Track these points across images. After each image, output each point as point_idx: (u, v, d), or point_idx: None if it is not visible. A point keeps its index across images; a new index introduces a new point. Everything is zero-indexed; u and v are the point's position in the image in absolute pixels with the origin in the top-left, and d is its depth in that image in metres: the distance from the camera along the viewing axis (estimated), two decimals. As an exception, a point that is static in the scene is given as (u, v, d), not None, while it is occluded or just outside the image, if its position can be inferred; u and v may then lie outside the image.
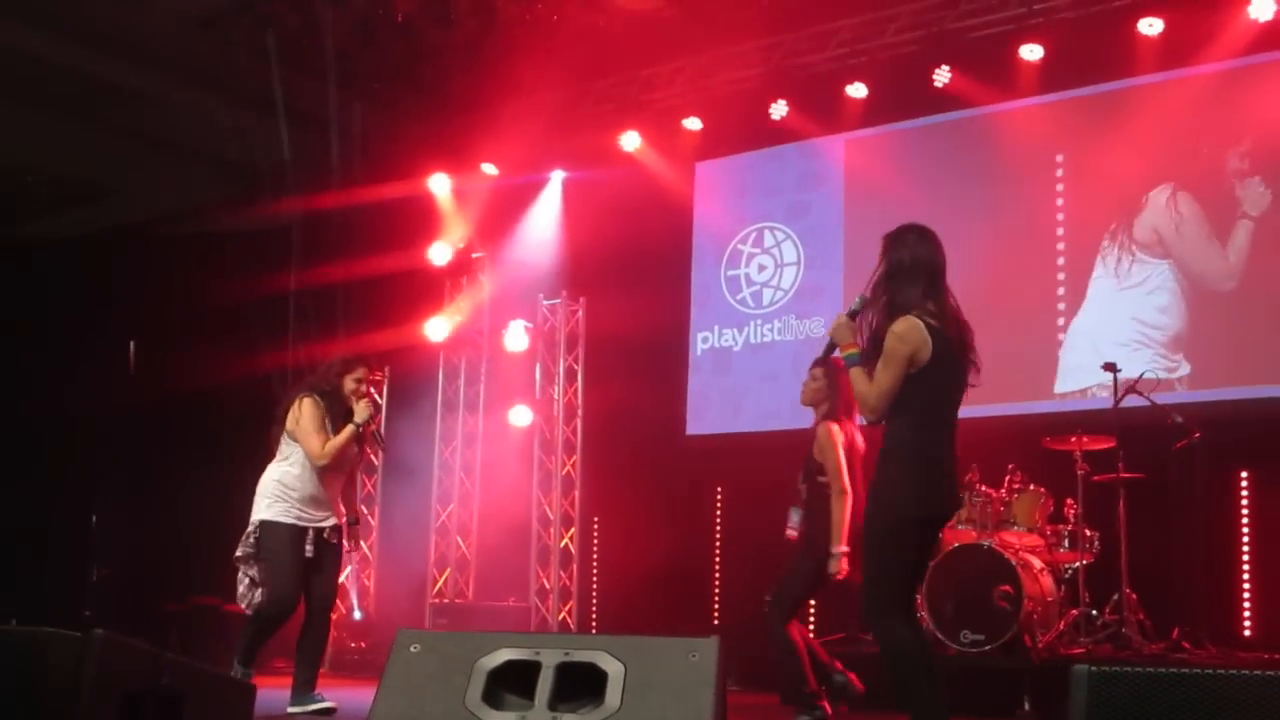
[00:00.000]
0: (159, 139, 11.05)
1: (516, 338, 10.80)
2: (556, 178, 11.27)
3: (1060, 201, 9.04)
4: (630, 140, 10.63)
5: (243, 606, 6.28)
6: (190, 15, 9.57)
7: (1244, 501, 8.13)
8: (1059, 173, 9.07)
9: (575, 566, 10.48)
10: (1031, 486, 7.74)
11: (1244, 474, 8.16)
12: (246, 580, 6.22)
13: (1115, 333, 8.60)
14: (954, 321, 4.44)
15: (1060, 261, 8.98)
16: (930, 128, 9.68)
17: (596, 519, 10.73)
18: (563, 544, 10.51)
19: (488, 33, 9.59)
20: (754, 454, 9.46)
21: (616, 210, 10.39)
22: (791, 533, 6.23)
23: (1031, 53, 9.01)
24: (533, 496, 10.65)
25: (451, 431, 11.09)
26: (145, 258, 11.65)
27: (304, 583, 6.20)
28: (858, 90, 9.70)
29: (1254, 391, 8.10)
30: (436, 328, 11.04)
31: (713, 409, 10.34)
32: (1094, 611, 7.50)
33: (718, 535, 10.18)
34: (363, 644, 10.13)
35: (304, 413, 6.26)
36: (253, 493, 6.31)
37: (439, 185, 11.20)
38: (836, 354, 4.62)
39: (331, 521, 6.30)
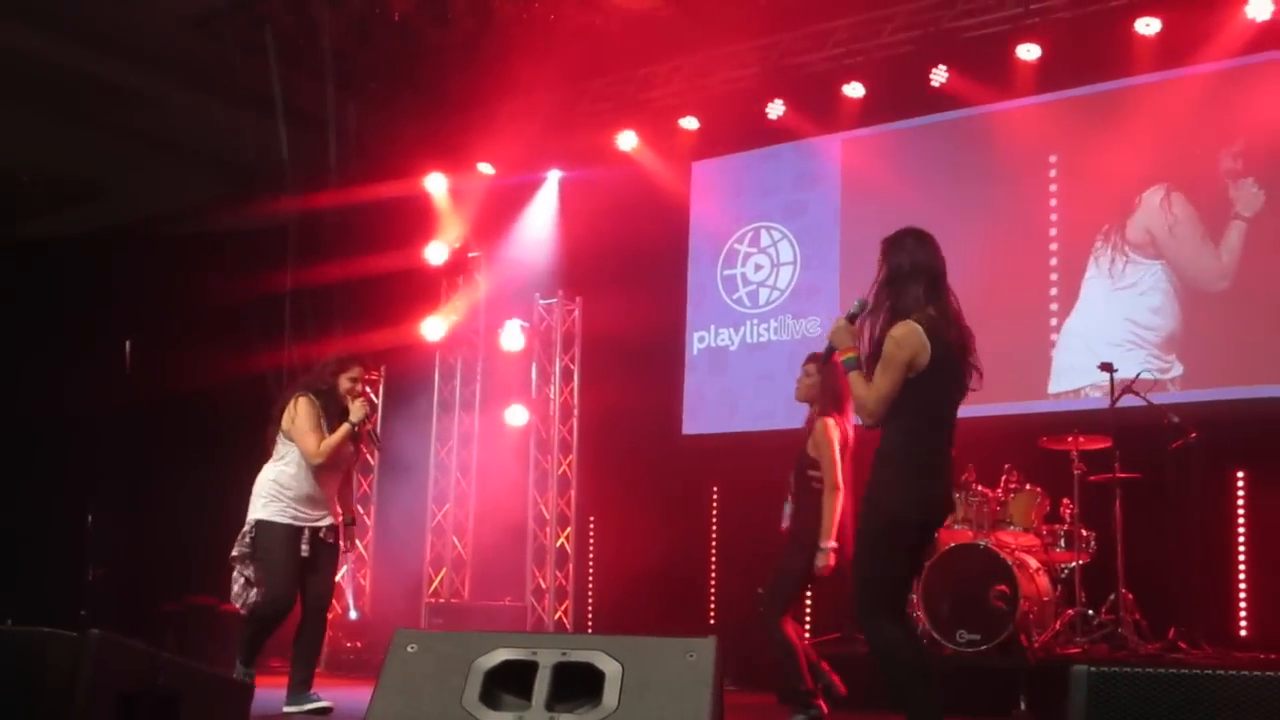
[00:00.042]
0: (155, 138, 11.03)
1: (513, 337, 10.79)
2: (553, 177, 11.27)
3: (1054, 202, 9.04)
4: (627, 140, 10.62)
5: (237, 606, 6.28)
6: (187, 14, 9.55)
7: (1240, 502, 8.14)
8: (1052, 173, 9.08)
9: (571, 566, 10.48)
10: (1028, 486, 7.75)
11: (1240, 474, 8.17)
12: (242, 580, 6.21)
13: (1108, 333, 8.61)
14: (955, 325, 4.44)
15: (1053, 262, 8.99)
16: (927, 127, 9.69)
17: (592, 518, 10.73)
18: (559, 543, 10.51)
19: (484, 32, 9.58)
20: (750, 453, 9.45)
21: (613, 210, 10.39)
22: (786, 525, 6.25)
23: (1029, 52, 9.01)
24: (529, 496, 10.64)
25: (447, 431, 11.09)
26: (142, 257, 11.63)
27: (299, 582, 6.20)
28: (854, 90, 9.70)
29: (1249, 392, 8.11)
30: (433, 327, 11.04)
31: (709, 408, 10.34)
32: (1090, 611, 7.51)
33: (713, 535, 10.18)
34: (358, 643, 10.13)
35: (299, 412, 6.26)
36: (249, 492, 6.31)
37: (435, 184, 11.19)
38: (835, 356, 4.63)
39: (328, 521, 6.30)
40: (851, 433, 6.11)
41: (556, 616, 10.34)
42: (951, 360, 4.40)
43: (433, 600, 10.50)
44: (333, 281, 10.34)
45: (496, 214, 11.22)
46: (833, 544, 5.92)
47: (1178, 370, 8.35)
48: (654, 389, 10.37)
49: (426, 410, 11.06)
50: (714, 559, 10.13)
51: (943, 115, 9.56)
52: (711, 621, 9.89)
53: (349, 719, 6.06)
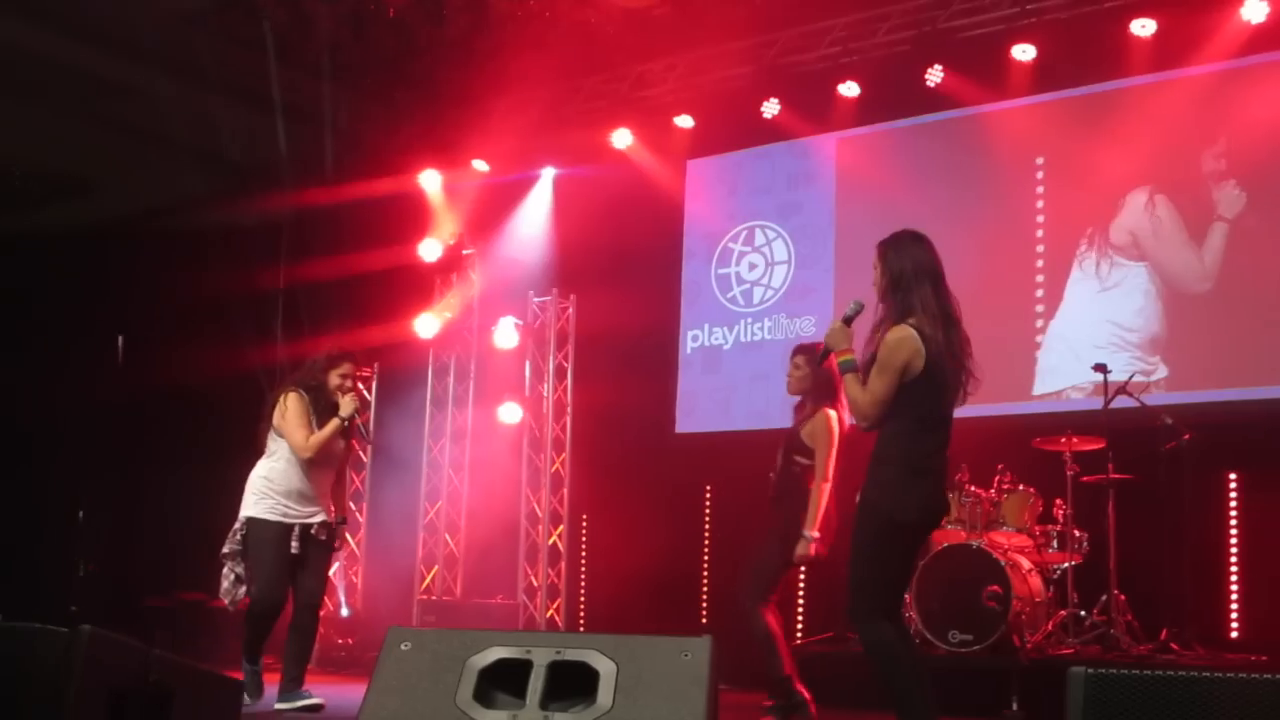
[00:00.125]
0: (148, 133, 11.01)
1: (506, 335, 10.77)
2: (547, 174, 11.25)
3: (1041, 204, 9.06)
4: (621, 138, 10.61)
5: (225, 602, 6.29)
6: (180, 9, 9.53)
7: (1232, 503, 8.14)
8: (1039, 174, 9.09)
9: (564, 564, 10.47)
10: (1021, 487, 7.75)
11: (1232, 476, 8.18)
12: (232, 576, 6.22)
13: (1091, 335, 8.63)
14: (955, 328, 4.44)
15: (1040, 264, 9.00)
16: (922, 127, 9.68)
17: (585, 517, 10.72)
18: (551, 541, 10.49)
19: (479, 29, 9.57)
20: (743, 452, 9.41)
21: (607, 207, 10.38)
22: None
23: (1024, 53, 9.01)
24: (521, 494, 10.63)
25: (440, 428, 11.07)
26: (134, 253, 11.60)
27: (289, 579, 6.21)
28: (850, 89, 9.70)
29: (1235, 394, 8.12)
30: (426, 324, 11.01)
31: (702, 407, 10.33)
32: (1082, 612, 7.50)
33: (706, 533, 10.17)
34: (350, 640, 10.11)
35: (289, 407, 6.28)
36: (240, 489, 6.33)
37: (429, 181, 11.18)
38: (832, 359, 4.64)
39: (320, 518, 6.29)
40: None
41: (549, 615, 10.32)
42: (946, 364, 4.40)
43: (425, 597, 10.48)
44: (326, 278, 10.32)
45: (490, 211, 11.20)
46: (815, 534, 5.94)
47: (1162, 372, 8.36)
48: (648, 387, 10.36)
49: (420, 407, 11.04)
50: (707, 558, 10.12)
51: (938, 115, 9.56)
52: (704, 620, 9.89)
53: (340, 716, 6.06)
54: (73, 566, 9.91)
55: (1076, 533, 7.60)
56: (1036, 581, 7.43)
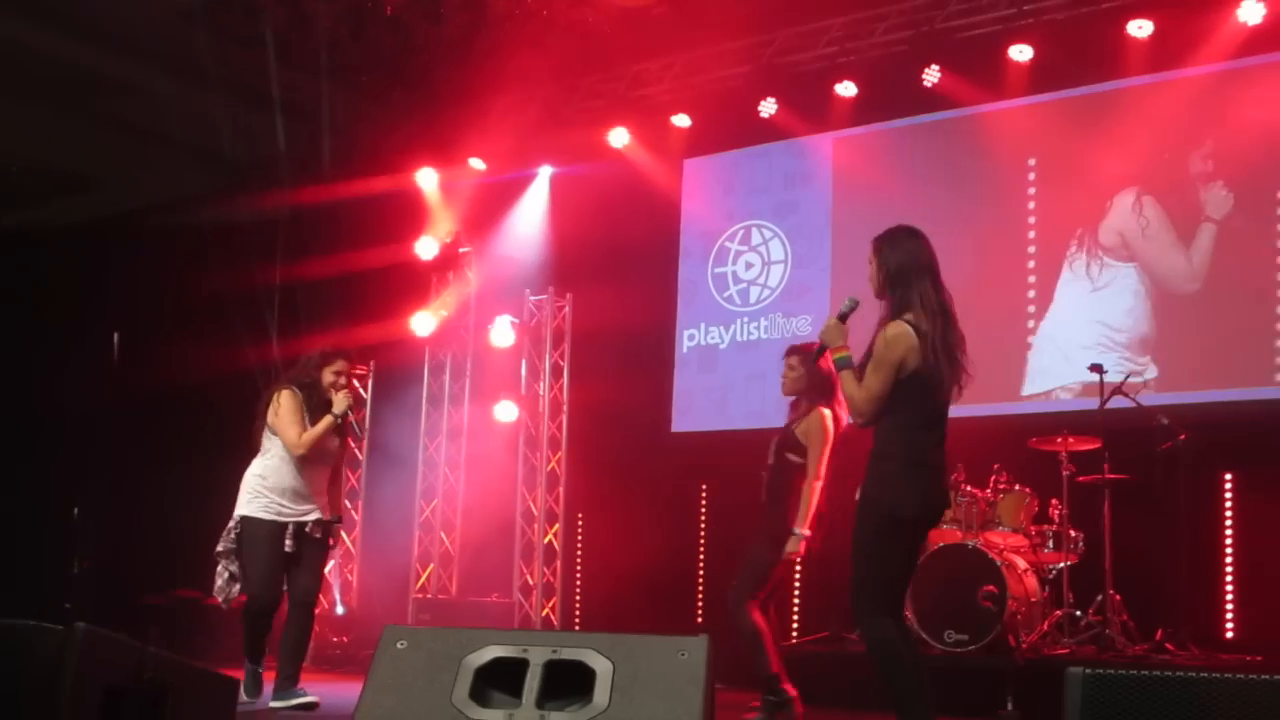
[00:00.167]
0: (146, 130, 10.99)
1: (502, 333, 10.76)
2: (544, 173, 11.24)
3: (1032, 205, 9.06)
4: (618, 136, 10.60)
5: (219, 600, 6.28)
6: (178, 6, 9.52)
7: (1227, 504, 8.15)
8: (1031, 175, 9.10)
9: (559, 563, 10.46)
10: (1017, 487, 7.76)
11: (1228, 476, 8.19)
12: (226, 575, 6.22)
13: (1081, 336, 8.65)
14: (951, 323, 4.45)
15: (1031, 265, 9.01)
16: (919, 127, 9.68)
17: (581, 515, 10.72)
18: (547, 540, 10.48)
19: (476, 27, 9.56)
20: (739, 452, 9.38)
21: (604, 206, 10.37)
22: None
23: (1021, 53, 9.01)
24: (517, 492, 10.62)
25: (436, 426, 11.06)
26: (131, 250, 11.59)
27: (283, 577, 6.21)
28: (847, 89, 9.69)
29: (1224, 395, 8.14)
30: (422, 322, 11.01)
31: (698, 406, 10.33)
32: (1078, 612, 7.51)
33: (702, 532, 10.17)
34: (345, 639, 10.10)
35: (282, 404, 6.29)
36: (235, 487, 6.34)
37: (426, 179, 11.17)
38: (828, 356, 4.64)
39: (314, 515, 6.29)
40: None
41: (544, 613, 10.32)
42: (942, 360, 4.40)
43: (420, 596, 10.47)
44: (322, 276, 10.31)
45: (487, 209, 11.19)
46: (806, 531, 5.96)
47: (1153, 373, 8.37)
48: (644, 386, 10.35)
49: (415, 405, 11.04)
50: (702, 556, 10.12)
51: (935, 115, 9.56)
52: (699, 619, 9.89)
53: (335, 714, 6.05)
54: (68, 563, 9.90)
55: (1072, 533, 7.61)
56: (1032, 581, 7.44)
